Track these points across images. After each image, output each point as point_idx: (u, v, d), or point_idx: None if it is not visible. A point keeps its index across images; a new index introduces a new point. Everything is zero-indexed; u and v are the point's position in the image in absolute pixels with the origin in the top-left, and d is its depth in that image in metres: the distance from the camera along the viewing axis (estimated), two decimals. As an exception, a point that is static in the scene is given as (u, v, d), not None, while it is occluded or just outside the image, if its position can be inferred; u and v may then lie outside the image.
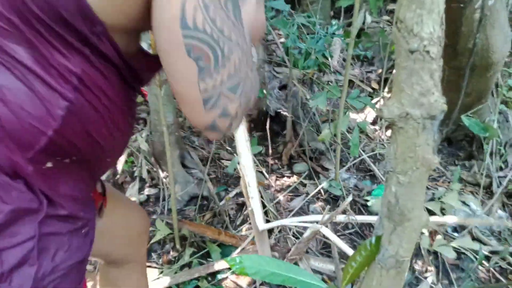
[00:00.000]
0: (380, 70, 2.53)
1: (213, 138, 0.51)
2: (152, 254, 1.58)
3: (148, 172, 1.91)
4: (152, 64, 0.57)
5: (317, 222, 1.03)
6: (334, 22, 2.73)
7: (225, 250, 1.53)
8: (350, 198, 0.94)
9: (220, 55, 0.44)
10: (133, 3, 0.45)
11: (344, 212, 1.60)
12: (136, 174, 1.82)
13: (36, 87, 0.43)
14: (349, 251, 0.96)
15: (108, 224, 0.71)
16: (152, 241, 1.59)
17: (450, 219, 0.93)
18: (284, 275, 0.66)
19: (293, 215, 1.67)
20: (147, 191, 1.90)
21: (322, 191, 1.78)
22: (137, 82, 0.56)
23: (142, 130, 1.97)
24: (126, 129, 0.57)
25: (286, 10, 2.32)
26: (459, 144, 2.19)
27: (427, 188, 1.89)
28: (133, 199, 1.81)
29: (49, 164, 0.47)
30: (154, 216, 1.74)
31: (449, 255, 1.44)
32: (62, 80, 0.44)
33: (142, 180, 1.92)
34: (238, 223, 1.70)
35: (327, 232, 0.97)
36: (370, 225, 1.64)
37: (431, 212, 1.63)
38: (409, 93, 0.51)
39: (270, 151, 2.03)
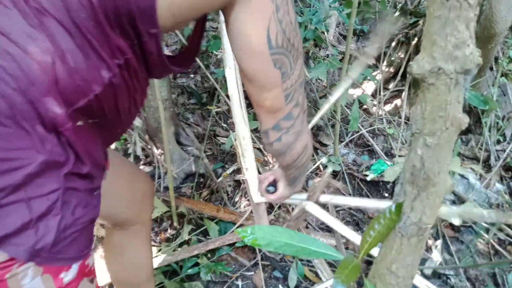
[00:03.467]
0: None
1: (286, 126, 0.65)
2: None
3: (142, 149, 1.85)
4: (174, 63, 0.61)
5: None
6: (330, -6, 2.65)
7: (224, 226, 1.51)
8: (330, 170, 0.92)
9: (292, 61, 0.57)
10: (191, 16, 0.54)
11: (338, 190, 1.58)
12: (130, 151, 1.76)
13: (91, 56, 0.48)
14: (340, 227, 0.94)
15: (110, 186, 0.72)
16: (149, 219, 1.55)
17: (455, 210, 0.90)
18: (297, 246, 0.63)
19: (292, 191, 1.64)
20: (141, 168, 1.85)
21: (321, 167, 1.75)
22: (157, 73, 0.62)
23: (135, 107, 1.91)
24: (139, 106, 0.64)
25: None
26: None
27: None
28: (127, 177, 1.77)
29: (79, 122, 0.52)
30: (149, 194, 1.70)
31: (456, 222, 1.44)
32: (112, 56, 0.50)
33: (136, 158, 1.87)
34: (236, 199, 1.67)
35: (314, 209, 0.94)
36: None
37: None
38: (442, 46, 0.47)
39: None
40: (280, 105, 0.61)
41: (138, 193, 0.91)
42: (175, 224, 1.57)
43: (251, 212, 1.56)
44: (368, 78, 1.69)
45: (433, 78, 0.48)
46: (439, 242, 1.37)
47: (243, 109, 0.91)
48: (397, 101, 2.11)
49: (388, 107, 2.13)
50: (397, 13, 2.17)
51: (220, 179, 1.75)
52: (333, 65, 1.56)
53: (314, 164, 1.80)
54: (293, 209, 1.51)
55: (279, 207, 1.54)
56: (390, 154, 1.85)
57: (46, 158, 0.48)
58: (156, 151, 1.83)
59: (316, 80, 2.36)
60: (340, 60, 2.56)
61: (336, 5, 2.59)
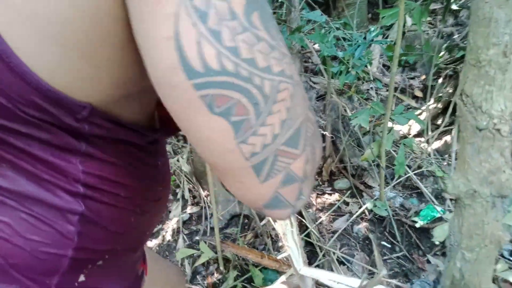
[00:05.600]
0: (423, 77, 2.42)
1: (282, 217, 0.36)
2: (197, 276, 1.61)
3: (190, 191, 1.95)
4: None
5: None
6: (372, 27, 2.63)
7: (268, 274, 1.53)
8: (384, 272, 0.87)
9: (261, 98, 0.29)
10: (116, 70, 0.33)
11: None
12: (178, 195, 1.86)
13: (36, 212, 0.37)
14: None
15: None
16: (197, 263, 1.62)
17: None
18: None
19: (337, 238, 1.63)
20: (189, 209, 1.94)
21: (366, 211, 1.72)
22: (161, 142, 0.47)
23: (183, 150, 2.01)
24: (159, 199, 0.50)
25: (322, 21, 2.27)
26: None
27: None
28: (176, 219, 1.86)
29: (81, 278, 0.42)
30: (197, 237, 1.77)
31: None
32: (65, 193, 0.37)
33: (183, 199, 1.96)
34: (280, 244, 1.69)
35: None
36: (418, 247, 1.58)
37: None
38: (476, 170, 0.47)
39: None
40: (248, 185, 0.32)
41: None
42: (221, 268, 1.61)
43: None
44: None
45: (468, 199, 0.49)
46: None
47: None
48: (447, 138, 2.03)
49: (438, 144, 2.06)
50: (444, 47, 2.11)
51: (263, 222, 1.78)
52: (376, 111, 1.55)
53: (359, 208, 1.77)
54: (338, 257, 1.49)
55: (324, 255, 1.53)
56: (440, 197, 1.78)
57: None
58: (203, 193, 1.91)
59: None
60: (387, 88, 2.52)
61: (379, 37, 2.56)
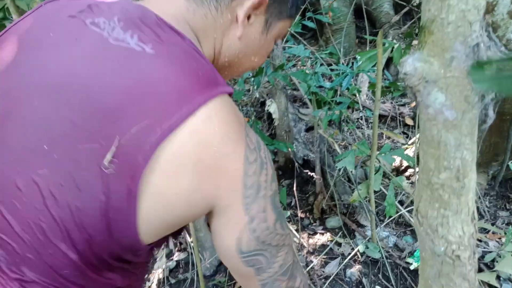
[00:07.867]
0: (413, 103, 2.38)
1: None
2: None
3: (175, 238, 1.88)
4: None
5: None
6: (358, 56, 2.60)
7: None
8: None
9: (270, 256, 0.58)
10: (174, 229, 0.53)
11: None
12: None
13: None
14: None
15: None
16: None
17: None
18: None
19: (329, 284, 1.56)
20: (176, 256, 1.87)
21: (358, 253, 1.66)
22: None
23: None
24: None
25: (306, 55, 2.25)
26: (508, 184, 1.99)
27: (478, 241, 1.71)
28: (160, 270, 1.79)
29: None
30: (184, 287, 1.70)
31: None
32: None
33: (167, 247, 1.90)
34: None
35: None
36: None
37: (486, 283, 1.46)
38: (439, 297, 0.42)
39: (298, 206, 1.95)
40: None
41: None
42: (209, 322, 1.54)
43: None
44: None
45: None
46: None
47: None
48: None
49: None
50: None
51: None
52: (362, 152, 1.50)
53: (352, 249, 1.71)
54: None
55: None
56: (435, 234, 1.71)
57: None
58: (189, 238, 1.85)
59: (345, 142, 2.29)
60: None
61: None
